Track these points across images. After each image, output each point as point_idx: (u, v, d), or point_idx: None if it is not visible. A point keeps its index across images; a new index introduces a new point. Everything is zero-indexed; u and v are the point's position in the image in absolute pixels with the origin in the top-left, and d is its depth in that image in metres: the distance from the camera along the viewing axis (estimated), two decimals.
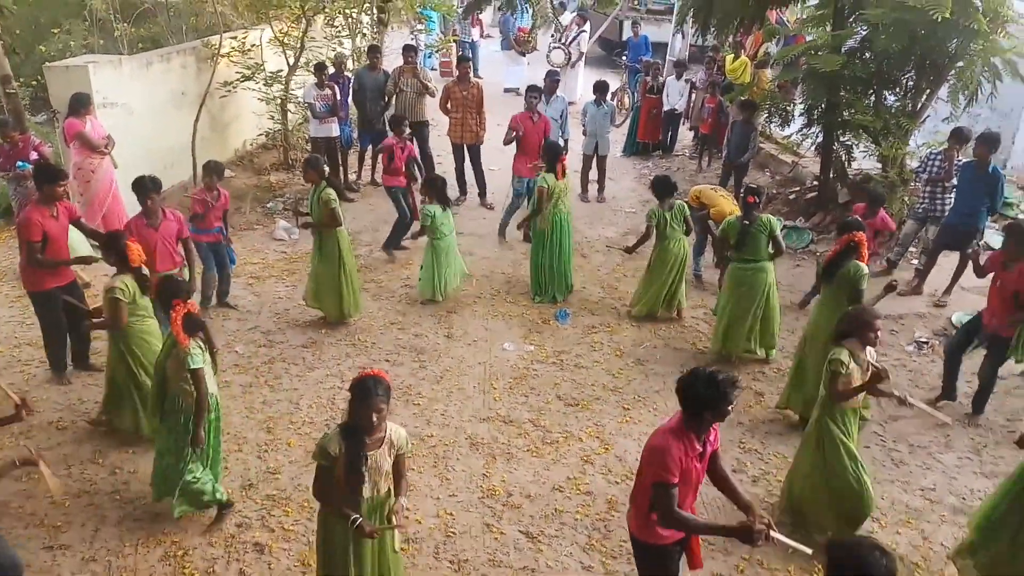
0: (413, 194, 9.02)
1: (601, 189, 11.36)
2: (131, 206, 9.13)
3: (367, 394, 3.58)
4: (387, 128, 9.30)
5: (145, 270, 5.58)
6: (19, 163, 8.00)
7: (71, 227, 6.25)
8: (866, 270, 5.87)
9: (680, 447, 3.56)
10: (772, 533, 3.48)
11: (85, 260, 6.26)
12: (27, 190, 7.79)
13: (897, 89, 9.60)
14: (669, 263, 7.54)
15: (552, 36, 17.59)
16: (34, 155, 8.19)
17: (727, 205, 8.15)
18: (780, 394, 6.39)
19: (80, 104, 8.33)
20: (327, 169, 7.35)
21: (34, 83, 11.25)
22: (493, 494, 5.41)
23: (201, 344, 4.71)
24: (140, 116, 9.48)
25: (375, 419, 3.60)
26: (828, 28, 9.56)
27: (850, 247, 5.86)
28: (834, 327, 4.94)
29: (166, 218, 6.34)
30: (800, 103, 10.35)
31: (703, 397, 3.51)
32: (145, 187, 6.25)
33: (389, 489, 3.86)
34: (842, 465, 4.80)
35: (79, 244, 7.02)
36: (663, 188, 7.55)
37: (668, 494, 3.55)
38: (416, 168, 9.20)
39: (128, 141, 9.07)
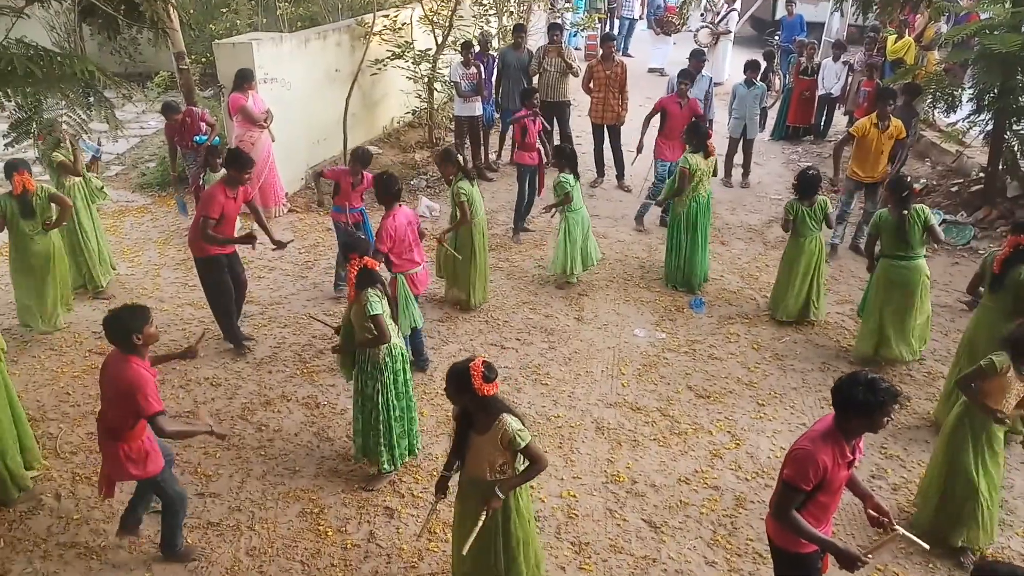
0: (543, 173, 9.02)
1: (746, 174, 10.98)
2: (286, 178, 9.67)
3: (446, 379, 3.78)
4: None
5: None
6: (196, 138, 8.61)
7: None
8: None
9: (829, 453, 3.42)
10: (865, 555, 3.47)
11: (247, 240, 6.53)
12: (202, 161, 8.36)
13: None
14: (803, 262, 7.14)
15: (701, 15, 17.08)
16: (204, 126, 8.78)
17: None
18: (931, 401, 6.01)
19: (244, 79, 8.85)
20: (462, 160, 7.27)
21: (204, 59, 12.04)
22: (617, 480, 5.39)
23: (378, 294, 5.00)
24: (297, 91, 9.94)
25: (458, 405, 3.79)
26: (1007, 5, 8.79)
27: (1019, 250, 5.39)
28: (1001, 340, 4.57)
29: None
30: (969, 87, 9.59)
31: (860, 403, 3.35)
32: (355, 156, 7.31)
33: (495, 480, 3.85)
34: (966, 465, 4.58)
35: None
36: (807, 186, 7.06)
37: (792, 497, 3.46)
38: (544, 142, 9.16)
39: (285, 115, 9.55)
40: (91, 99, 5.94)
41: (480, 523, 3.79)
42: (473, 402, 3.75)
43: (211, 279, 6.58)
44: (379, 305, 4.92)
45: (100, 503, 5.07)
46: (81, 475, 5.37)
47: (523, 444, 3.76)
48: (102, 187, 8.07)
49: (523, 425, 3.79)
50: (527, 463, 3.87)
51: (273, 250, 6.99)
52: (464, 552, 3.78)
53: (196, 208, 6.99)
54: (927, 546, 3.78)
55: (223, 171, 8.11)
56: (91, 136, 7.85)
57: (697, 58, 10.09)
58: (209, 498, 5.18)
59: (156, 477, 4.45)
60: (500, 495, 3.79)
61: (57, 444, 5.66)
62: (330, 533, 4.90)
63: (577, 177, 7.84)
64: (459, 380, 3.70)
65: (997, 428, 4.55)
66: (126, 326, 4.19)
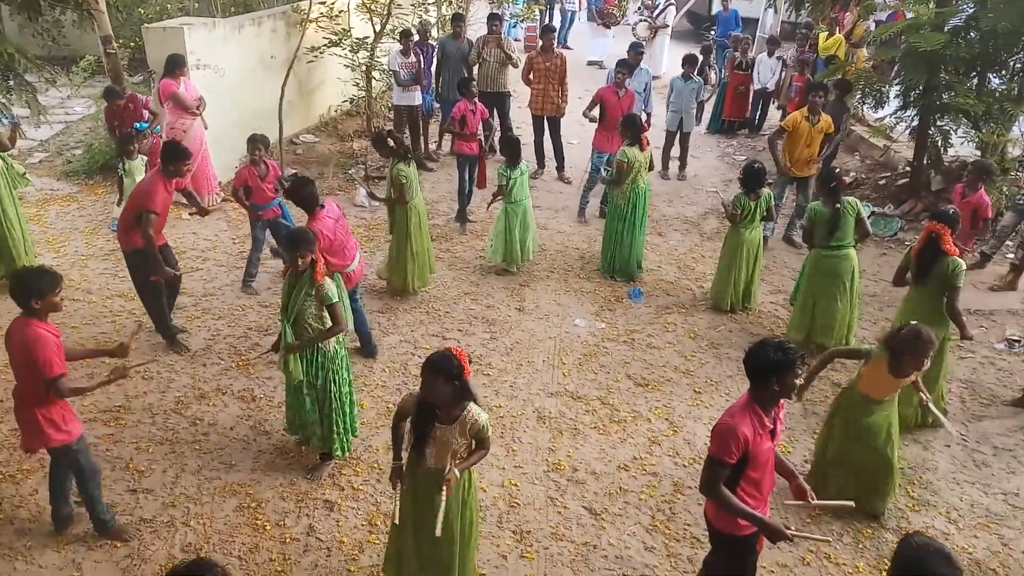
0: (484, 164, 9.00)
1: (683, 167, 11.15)
2: (220, 167, 9.44)
3: (424, 370, 3.68)
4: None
5: None
6: (136, 124, 8.30)
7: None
8: (963, 265, 5.55)
9: (748, 424, 3.51)
10: (792, 533, 3.65)
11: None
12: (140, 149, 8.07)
13: (1003, 72, 9.10)
14: (744, 250, 7.33)
15: (638, 9, 17.23)
16: (147, 114, 8.50)
17: None
18: None
19: (175, 65, 8.59)
20: (396, 142, 7.23)
21: (132, 44, 11.64)
22: (558, 468, 5.43)
23: (333, 283, 5.03)
24: (231, 78, 9.70)
25: (429, 394, 3.68)
26: (931, 5, 9.10)
27: (932, 238, 5.58)
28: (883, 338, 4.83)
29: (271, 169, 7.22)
30: (896, 84, 9.91)
31: (772, 362, 3.46)
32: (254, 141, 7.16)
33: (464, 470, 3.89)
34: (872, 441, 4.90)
35: None
36: (752, 180, 7.23)
37: (717, 471, 3.54)
38: (487, 130, 9.14)
39: (218, 103, 9.31)
40: (11, 82, 5.69)
41: (443, 501, 3.76)
42: (458, 388, 3.72)
43: (142, 273, 6.36)
44: (336, 293, 4.93)
45: (25, 501, 4.89)
46: (4, 473, 5.16)
47: (487, 436, 3.85)
48: (24, 173, 7.74)
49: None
50: (475, 449, 3.91)
51: (192, 214, 6.68)
52: (438, 533, 3.75)
53: (126, 199, 6.73)
54: (852, 504, 4.11)
55: (139, 159, 7.92)
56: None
57: (635, 51, 10.18)
58: (142, 494, 5.04)
59: (73, 444, 4.39)
60: (456, 472, 3.79)
61: None
62: (268, 527, 4.82)
63: (515, 167, 7.83)
64: (451, 366, 3.66)
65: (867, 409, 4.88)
66: (27, 287, 4.15)
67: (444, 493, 3.78)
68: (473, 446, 3.89)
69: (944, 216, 5.66)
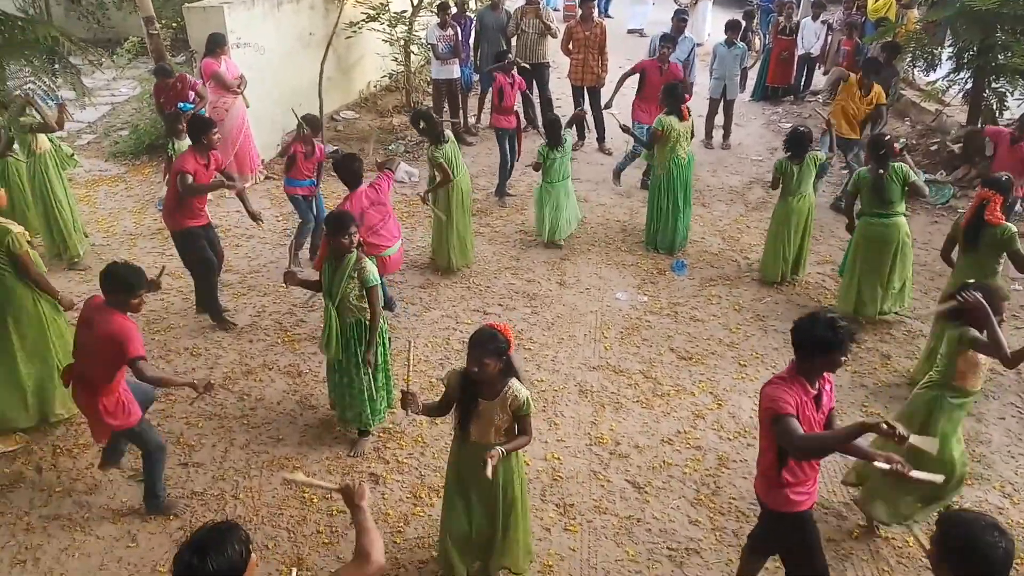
0: (520, 137, 8.95)
1: (727, 135, 10.94)
2: (261, 145, 9.52)
3: (472, 345, 3.69)
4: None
5: None
6: (181, 104, 8.38)
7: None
8: (1014, 229, 5.39)
9: (791, 390, 3.43)
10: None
11: (225, 184, 6.41)
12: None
13: None
14: (792, 222, 7.16)
15: None
16: (193, 95, 8.58)
17: None
18: (911, 359, 6.06)
19: (216, 44, 8.65)
20: (429, 123, 7.12)
21: (175, 24, 11.76)
22: (601, 442, 5.42)
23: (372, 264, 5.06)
24: (270, 56, 9.75)
25: (476, 370, 3.67)
26: None
27: (983, 205, 5.38)
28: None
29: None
30: (949, 46, 9.57)
31: (819, 339, 3.37)
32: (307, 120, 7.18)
33: (499, 443, 3.89)
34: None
35: None
36: (797, 144, 7.00)
37: (789, 424, 3.33)
38: (527, 103, 9.07)
39: (258, 81, 9.37)
40: (56, 66, 5.78)
41: (490, 468, 3.71)
42: (504, 363, 3.73)
43: (191, 253, 6.43)
44: (377, 276, 4.98)
45: (83, 474, 5.05)
46: (62, 448, 5.32)
47: (528, 412, 3.84)
48: (72, 154, 7.89)
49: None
50: (518, 433, 3.91)
51: (230, 187, 6.67)
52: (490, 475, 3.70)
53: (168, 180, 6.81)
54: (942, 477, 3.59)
55: (187, 139, 7.97)
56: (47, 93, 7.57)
57: (679, 17, 9.98)
58: (192, 468, 5.16)
59: (135, 428, 4.55)
60: (501, 449, 3.78)
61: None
62: (315, 500, 4.90)
63: (557, 148, 7.74)
64: (498, 341, 3.69)
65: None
66: (129, 282, 4.32)
67: (491, 464, 3.74)
68: (514, 422, 3.89)
69: (996, 183, 5.46)
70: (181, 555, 2.40)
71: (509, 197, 9.20)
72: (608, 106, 9.38)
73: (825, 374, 3.55)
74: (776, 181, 7.17)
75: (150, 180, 9.43)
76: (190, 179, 6.05)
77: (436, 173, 7.13)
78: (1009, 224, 5.40)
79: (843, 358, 3.43)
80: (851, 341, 3.42)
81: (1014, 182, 5.75)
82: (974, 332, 4.30)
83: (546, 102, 10.60)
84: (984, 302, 4.24)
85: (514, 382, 3.81)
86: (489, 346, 3.66)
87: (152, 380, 4.44)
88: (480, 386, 3.79)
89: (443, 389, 3.98)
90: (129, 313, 4.38)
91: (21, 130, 7.15)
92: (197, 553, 2.37)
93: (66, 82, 6.03)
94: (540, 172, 7.86)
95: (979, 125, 9.42)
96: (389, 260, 6.25)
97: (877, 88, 8.33)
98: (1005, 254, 5.50)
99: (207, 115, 8.32)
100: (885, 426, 3.14)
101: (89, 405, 4.46)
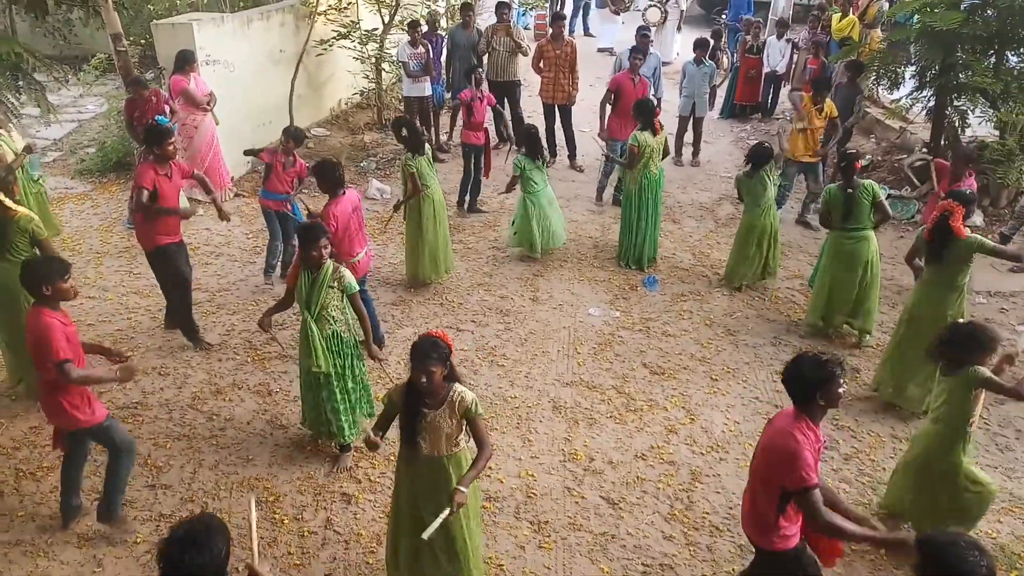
0: (490, 153, 8.98)
1: (696, 152, 11.06)
2: (231, 162, 9.44)
3: (416, 355, 3.67)
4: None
5: None
6: (157, 118, 8.25)
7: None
8: (979, 237, 5.52)
9: (807, 441, 3.36)
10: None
11: (184, 214, 6.39)
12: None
13: (1021, 49, 8.94)
14: (753, 235, 7.35)
15: None
16: (167, 109, 8.47)
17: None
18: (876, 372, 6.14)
19: (185, 61, 8.59)
20: (410, 133, 7.19)
21: (143, 41, 11.67)
22: (575, 458, 5.41)
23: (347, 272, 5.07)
24: (240, 73, 9.70)
25: (423, 380, 3.65)
26: None
27: (943, 216, 5.44)
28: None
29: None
30: (912, 64, 9.77)
31: (812, 380, 3.37)
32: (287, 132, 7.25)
33: (454, 455, 3.87)
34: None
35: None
36: (758, 158, 7.24)
37: (814, 498, 3.32)
38: (499, 118, 9.11)
39: (228, 98, 9.31)
40: (20, 82, 5.70)
41: (442, 517, 3.70)
42: (447, 370, 3.72)
43: (167, 272, 6.31)
44: (355, 281, 4.99)
45: (46, 498, 4.93)
46: (24, 471, 5.19)
47: (477, 414, 3.81)
48: (37, 178, 7.78)
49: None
50: (475, 446, 3.87)
51: (208, 202, 6.56)
52: (425, 537, 3.72)
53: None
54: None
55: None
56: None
57: (641, 33, 10.10)
58: (160, 490, 5.06)
59: (103, 423, 4.49)
60: (464, 490, 3.74)
61: None
62: (286, 521, 4.83)
63: (535, 158, 7.83)
64: (440, 348, 3.68)
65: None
66: (36, 274, 4.26)
67: (450, 512, 3.71)
68: (464, 427, 3.87)
69: (960, 196, 5.57)
70: (165, 549, 2.55)
71: (482, 214, 9.21)
72: (603, 137, 9.38)
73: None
74: (740, 194, 7.46)
75: (117, 198, 9.31)
76: (145, 195, 5.91)
77: (406, 183, 7.14)
78: (974, 235, 5.49)
79: (840, 390, 3.41)
80: (841, 370, 3.41)
81: (976, 197, 5.84)
82: (983, 371, 4.27)
83: (517, 120, 10.64)
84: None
85: (458, 386, 3.80)
86: (433, 354, 3.65)
87: (79, 381, 4.32)
88: (424, 396, 3.75)
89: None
90: (58, 303, 4.31)
91: None
92: (179, 547, 2.52)
93: (31, 99, 5.94)
94: (519, 186, 7.87)
95: (942, 142, 9.62)
96: (358, 266, 6.23)
97: (829, 103, 8.54)
98: (972, 265, 5.58)
99: (177, 132, 8.23)
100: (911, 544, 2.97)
101: (52, 403, 4.40)
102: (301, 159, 7.41)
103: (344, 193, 5.90)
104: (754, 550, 3.79)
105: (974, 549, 2.60)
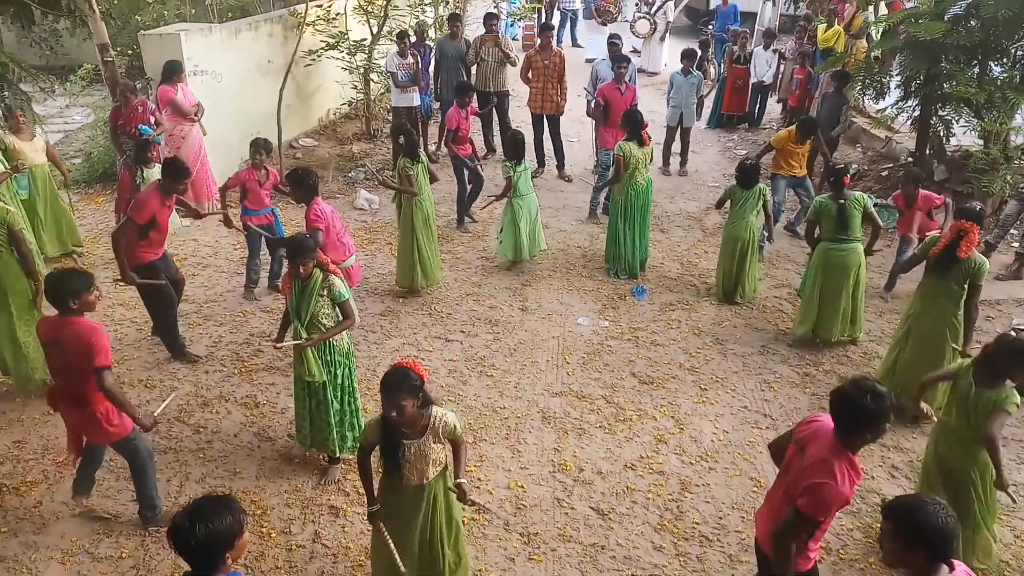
0: (477, 158, 9.06)
1: (684, 162, 11.10)
2: (218, 173, 9.41)
3: (385, 389, 3.54)
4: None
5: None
6: (141, 127, 8.18)
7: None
8: (987, 264, 5.49)
9: (847, 480, 3.20)
10: None
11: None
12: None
13: (1004, 59, 9.03)
14: (729, 244, 7.41)
15: (636, 5, 17.19)
16: (152, 120, 8.41)
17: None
18: None
19: (172, 72, 8.56)
20: (408, 140, 7.36)
21: (130, 51, 11.64)
22: (564, 469, 5.39)
23: (341, 279, 5.06)
24: (228, 84, 9.69)
25: (394, 414, 3.53)
26: None
27: (959, 236, 5.42)
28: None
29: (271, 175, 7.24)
30: (897, 74, 9.84)
31: (869, 413, 3.14)
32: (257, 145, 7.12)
33: (443, 471, 3.86)
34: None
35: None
36: (747, 178, 7.32)
37: (804, 528, 3.29)
38: (486, 127, 9.15)
39: (216, 108, 9.29)
40: (6, 92, 5.67)
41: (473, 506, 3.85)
42: (421, 399, 3.63)
43: (149, 287, 6.25)
44: (346, 290, 4.97)
45: (30, 513, 4.87)
46: (8, 486, 5.13)
47: (461, 433, 3.81)
48: (17, 191, 7.72)
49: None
50: (454, 451, 3.89)
51: (184, 216, 6.57)
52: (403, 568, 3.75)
53: (126, 210, 6.66)
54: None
55: (156, 167, 7.78)
56: None
57: (611, 41, 10.14)
58: None
59: (131, 435, 4.55)
60: (464, 482, 3.81)
61: None
62: (274, 535, 4.79)
63: (520, 163, 7.86)
64: (410, 379, 3.55)
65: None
66: (63, 288, 4.27)
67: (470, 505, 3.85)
68: (450, 448, 3.84)
69: (972, 214, 5.55)
70: (176, 520, 2.65)
71: (472, 223, 9.20)
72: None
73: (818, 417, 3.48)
74: (720, 202, 7.62)
75: (103, 208, 9.26)
76: (135, 229, 5.92)
77: (404, 184, 7.26)
78: (983, 258, 5.48)
79: (888, 425, 3.23)
80: (893, 406, 3.25)
81: (985, 212, 5.81)
82: (1017, 400, 4.15)
83: (505, 130, 10.66)
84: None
85: (436, 410, 3.73)
86: (403, 387, 3.51)
87: (109, 394, 4.29)
88: (401, 428, 3.66)
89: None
90: (83, 315, 4.35)
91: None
92: (190, 517, 2.64)
93: (16, 109, 5.91)
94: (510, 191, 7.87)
95: (927, 152, 9.69)
96: (351, 271, 6.22)
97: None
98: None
99: (162, 141, 8.20)
100: None
101: (84, 417, 4.41)
102: (274, 170, 7.40)
103: (318, 199, 6.06)
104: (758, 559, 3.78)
105: (939, 505, 2.73)
